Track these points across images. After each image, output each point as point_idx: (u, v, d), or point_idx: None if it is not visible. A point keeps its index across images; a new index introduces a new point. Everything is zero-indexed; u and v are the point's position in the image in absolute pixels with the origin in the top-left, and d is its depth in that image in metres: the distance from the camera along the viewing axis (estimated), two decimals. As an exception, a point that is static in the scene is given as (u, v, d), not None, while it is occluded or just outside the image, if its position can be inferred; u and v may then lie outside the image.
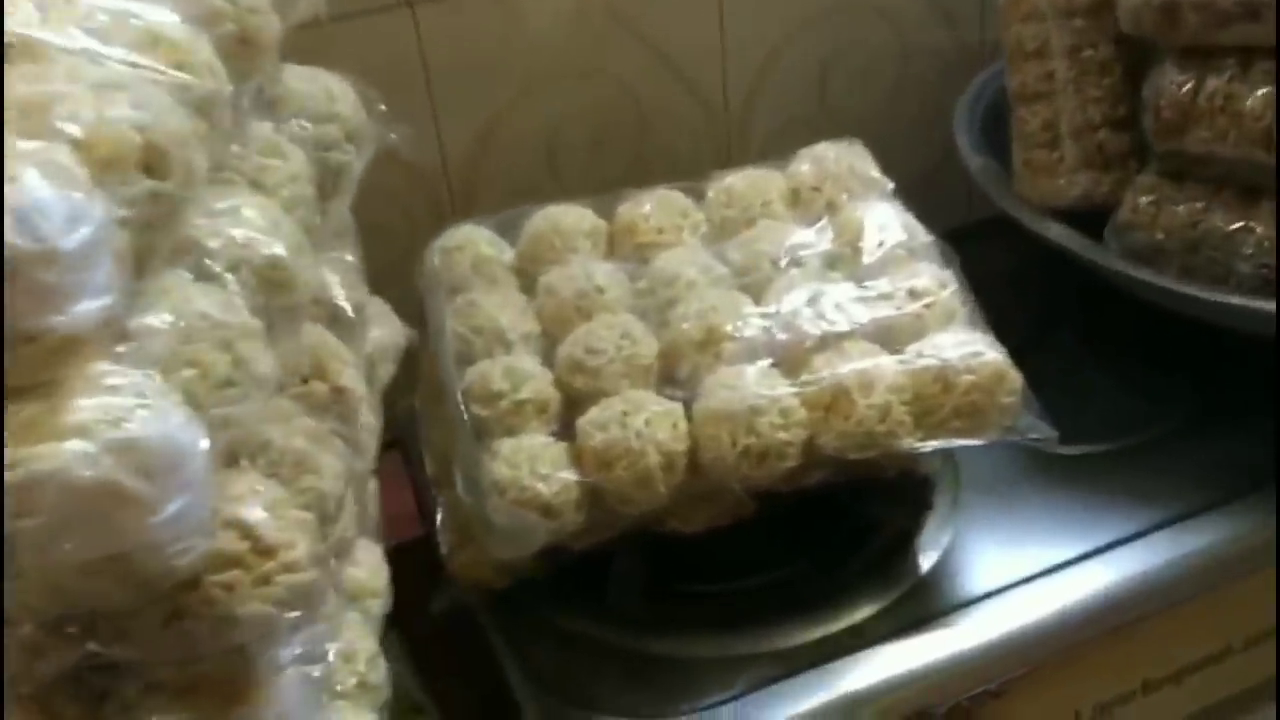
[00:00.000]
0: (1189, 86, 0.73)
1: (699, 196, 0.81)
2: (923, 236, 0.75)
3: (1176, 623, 0.71)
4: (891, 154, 1.07)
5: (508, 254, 0.78)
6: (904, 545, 0.73)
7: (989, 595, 0.70)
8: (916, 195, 1.10)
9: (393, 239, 0.90)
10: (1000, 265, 0.91)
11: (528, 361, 0.69)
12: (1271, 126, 0.71)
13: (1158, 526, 0.73)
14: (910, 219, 0.76)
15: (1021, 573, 0.71)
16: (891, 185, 0.79)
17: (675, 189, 0.81)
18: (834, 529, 0.74)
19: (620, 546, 0.69)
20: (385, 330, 0.62)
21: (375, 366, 0.60)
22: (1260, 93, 0.71)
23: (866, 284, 0.71)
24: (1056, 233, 0.81)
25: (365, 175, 0.95)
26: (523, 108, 0.96)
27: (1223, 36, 0.71)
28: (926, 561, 0.72)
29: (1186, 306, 0.75)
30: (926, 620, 0.69)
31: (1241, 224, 0.74)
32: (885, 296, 0.70)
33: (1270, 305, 0.71)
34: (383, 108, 0.55)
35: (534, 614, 0.71)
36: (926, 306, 0.69)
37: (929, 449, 0.66)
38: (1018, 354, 0.85)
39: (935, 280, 0.70)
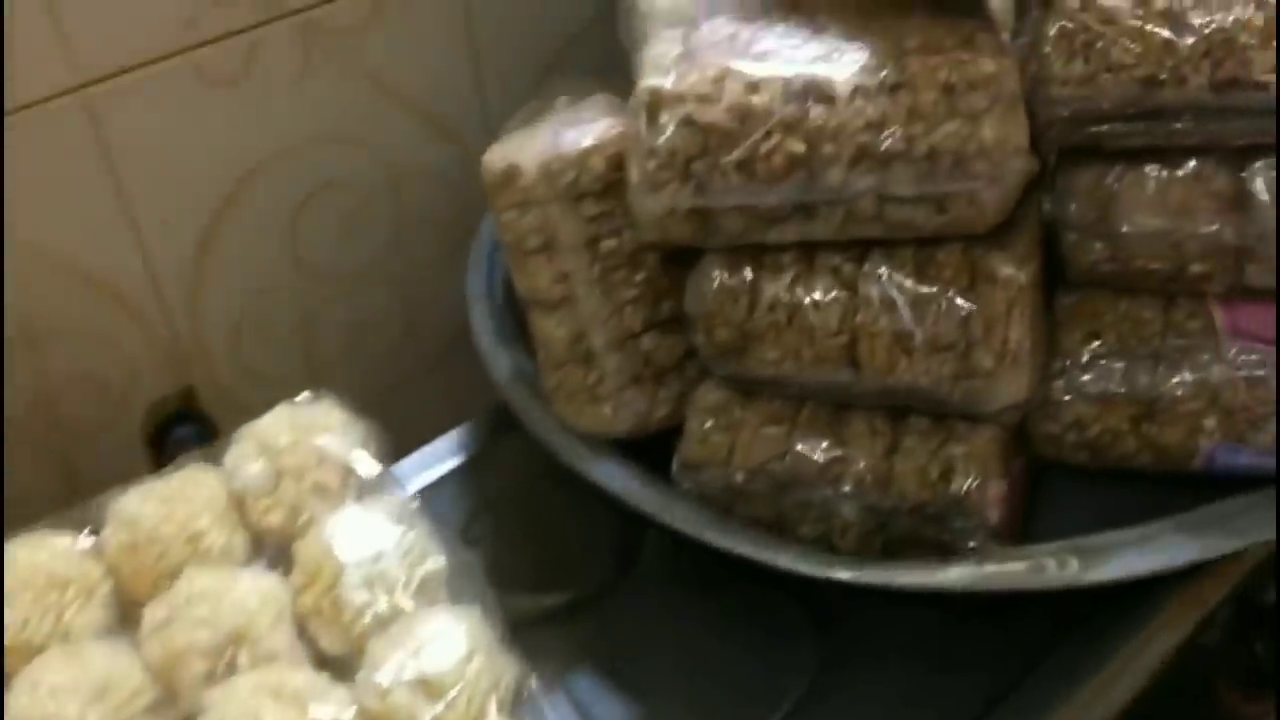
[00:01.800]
0: (743, 298, 0.55)
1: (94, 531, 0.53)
2: (429, 562, 0.52)
3: None
4: (419, 316, 0.85)
5: None
6: None
7: None
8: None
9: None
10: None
11: None
12: (852, 343, 0.54)
13: None
14: (410, 531, 0.53)
15: None
16: (378, 469, 0.56)
17: (49, 532, 0.53)
18: None
19: None
20: None
21: None
22: (830, 297, 0.54)
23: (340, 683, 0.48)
24: (605, 475, 0.61)
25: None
26: None
27: (774, 234, 0.53)
28: None
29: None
30: None
31: (835, 454, 0.57)
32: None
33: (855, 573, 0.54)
34: None
35: None
36: None
37: None
38: (581, 608, 0.67)
39: (434, 669, 0.47)
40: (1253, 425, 0.54)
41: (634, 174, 0.52)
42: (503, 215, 0.59)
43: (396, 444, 0.64)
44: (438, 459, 0.75)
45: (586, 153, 0.56)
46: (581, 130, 0.57)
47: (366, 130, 0.77)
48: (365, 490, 0.55)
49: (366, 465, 0.56)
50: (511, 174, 0.58)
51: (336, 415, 0.57)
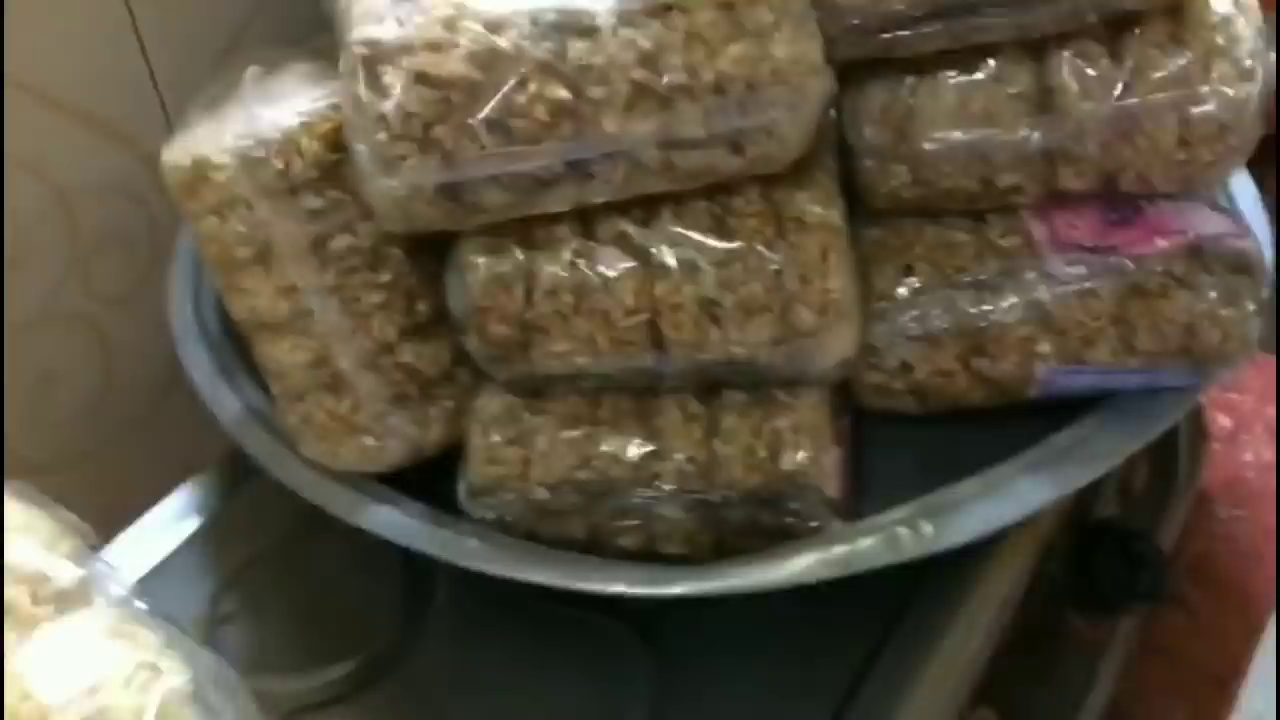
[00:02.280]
0: (517, 285, 0.45)
1: None
2: (167, 678, 0.40)
3: None
4: (119, 360, 0.70)
5: None
6: None
7: None
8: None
9: None
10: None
11: None
12: (652, 319, 0.46)
13: None
14: (136, 643, 0.41)
15: None
16: (80, 572, 0.43)
17: None
18: None
19: None
20: None
21: None
22: (621, 269, 0.45)
23: None
24: (375, 519, 0.50)
25: None
26: None
27: (544, 204, 0.44)
28: None
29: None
30: None
31: (648, 450, 0.49)
32: None
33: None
34: None
35: None
36: None
37: None
38: (370, 675, 0.56)
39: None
40: (1088, 342, 0.49)
41: (361, 151, 0.42)
42: (199, 224, 0.47)
43: (107, 518, 0.52)
44: (164, 529, 0.62)
45: (294, 133, 0.45)
46: (282, 107, 0.46)
47: (15, 144, 0.62)
48: (67, 601, 0.43)
49: (63, 569, 0.43)
50: (201, 171, 0.46)
51: (12, 509, 0.44)
